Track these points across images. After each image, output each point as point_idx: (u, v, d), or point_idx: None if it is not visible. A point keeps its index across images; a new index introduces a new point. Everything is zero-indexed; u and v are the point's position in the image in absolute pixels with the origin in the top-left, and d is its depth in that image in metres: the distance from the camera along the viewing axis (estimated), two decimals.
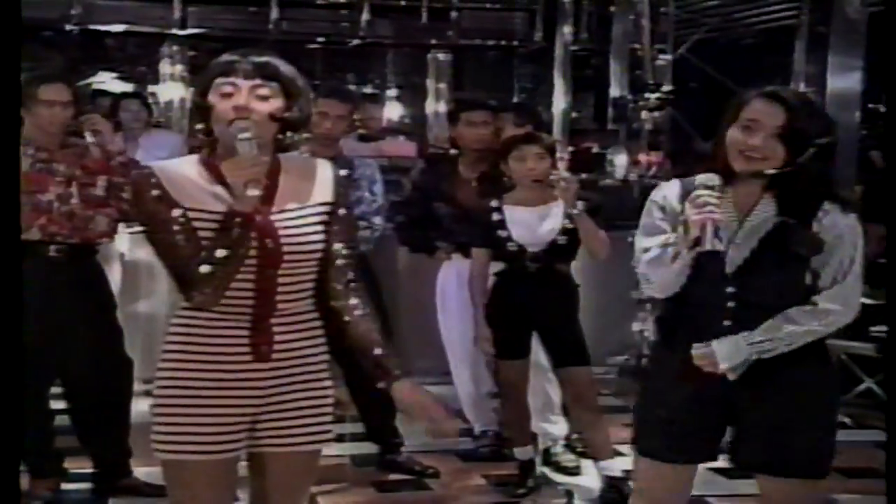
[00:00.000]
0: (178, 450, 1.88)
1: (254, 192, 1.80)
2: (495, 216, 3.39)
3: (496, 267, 3.49)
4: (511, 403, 3.54)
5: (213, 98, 1.86)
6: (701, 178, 2.04)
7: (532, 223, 3.37)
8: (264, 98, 1.85)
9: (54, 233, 3.18)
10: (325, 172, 1.96)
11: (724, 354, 2.05)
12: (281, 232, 1.87)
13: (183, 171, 1.89)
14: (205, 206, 1.85)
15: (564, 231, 3.34)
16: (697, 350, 2.07)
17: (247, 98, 1.84)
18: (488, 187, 3.66)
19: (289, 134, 1.92)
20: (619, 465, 3.57)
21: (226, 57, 1.89)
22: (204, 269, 1.80)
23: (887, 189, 2.75)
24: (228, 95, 1.84)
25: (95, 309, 3.36)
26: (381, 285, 3.71)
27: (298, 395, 1.92)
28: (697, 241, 1.99)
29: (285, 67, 1.90)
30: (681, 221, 2.05)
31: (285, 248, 1.87)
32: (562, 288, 3.39)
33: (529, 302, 3.37)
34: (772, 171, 2.02)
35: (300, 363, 1.92)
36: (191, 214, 1.84)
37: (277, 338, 1.89)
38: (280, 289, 1.88)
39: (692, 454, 2.19)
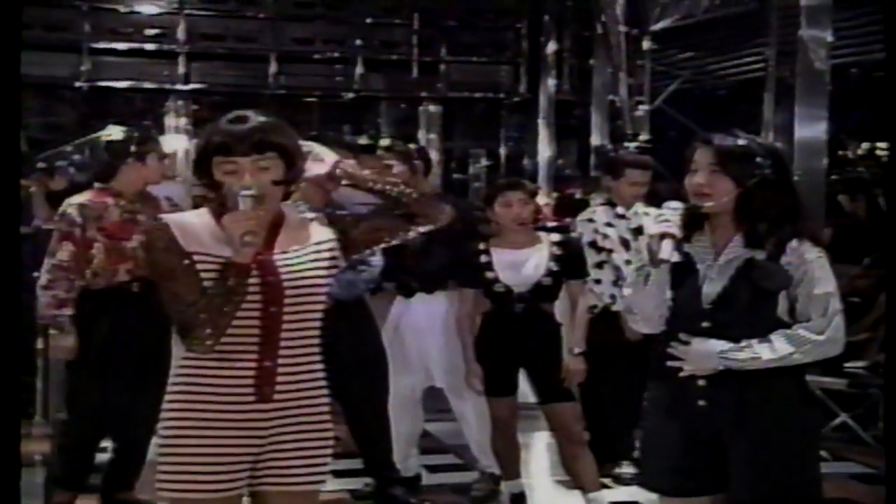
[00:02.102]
0: (183, 488, 1.85)
1: (251, 243, 1.82)
2: (483, 258, 3.44)
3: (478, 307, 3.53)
4: (501, 438, 3.54)
5: (217, 174, 1.88)
6: (668, 203, 2.15)
7: (518, 265, 3.41)
8: (265, 169, 1.87)
9: (138, 276, 3.37)
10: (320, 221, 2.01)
11: (694, 357, 2.10)
12: (282, 270, 1.89)
13: (193, 220, 1.93)
14: (210, 251, 1.87)
15: (549, 273, 3.39)
16: (675, 348, 2.12)
17: (250, 173, 1.86)
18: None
19: (292, 188, 1.96)
20: (607, 496, 3.57)
21: (222, 129, 1.88)
22: (201, 315, 1.81)
23: (887, 198, 2.80)
24: (232, 172, 1.86)
25: (166, 332, 3.51)
26: (378, 325, 3.73)
27: (300, 436, 1.91)
28: (656, 255, 2.07)
29: (278, 132, 1.90)
30: (646, 243, 2.13)
31: (287, 286, 1.88)
32: (545, 326, 3.43)
33: (516, 340, 3.40)
34: (716, 203, 2.10)
35: (302, 403, 1.91)
36: (196, 258, 1.86)
37: (280, 379, 1.88)
38: (285, 326, 1.88)
39: (693, 488, 2.16)
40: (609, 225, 3.94)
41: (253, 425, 1.87)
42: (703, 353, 2.09)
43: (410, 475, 3.85)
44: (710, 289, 2.12)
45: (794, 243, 2.09)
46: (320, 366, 1.96)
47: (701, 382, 2.10)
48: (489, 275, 3.40)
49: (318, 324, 1.94)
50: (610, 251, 3.89)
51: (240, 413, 1.86)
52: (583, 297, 3.52)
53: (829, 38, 5.59)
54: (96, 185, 3.48)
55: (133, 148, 3.46)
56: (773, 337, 2.07)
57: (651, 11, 6.63)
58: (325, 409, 1.96)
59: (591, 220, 4.00)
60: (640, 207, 4.00)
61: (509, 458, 3.56)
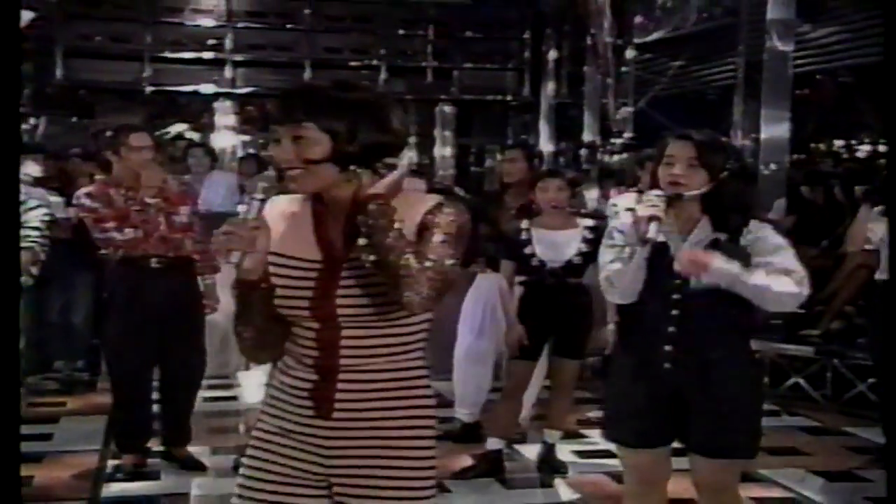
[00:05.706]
0: (247, 494, 1.58)
1: (249, 271, 1.44)
2: (524, 235, 3.49)
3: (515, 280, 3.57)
4: (509, 398, 3.58)
5: None
6: (651, 191, 2.17)
7: (554, 244, 3.46)
8: (299, 142, 1.44)
9: (153, 253, 3.45)
10: (418, 211, 1.49)
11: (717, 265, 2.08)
12: (344, 283, 1.47)
13: (287, 210, 1.54)
14: (293, 254, 1.51)
15: (579, 253, 3.46)
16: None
17: (286, 146, 1.45)
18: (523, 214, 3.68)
19: (352, 168, 1.46)
20: (558, 435, 3.68)
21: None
22: (238, 324, 1.51)
23: (889, 191, 2.91)
24: (277, 142, 1.48)
25: (186, 306, 3.57)
26: None
27: (376, 452, 1.53)
28: (644, 234, 2.07)
29: (326, 100, 1.46)
30: (632, 222, 2.13)
31: (344, 302, 1.48)
32: (574, 298, 3.48)
33: (546, 310, 3.47)
34: (695, 192, 2.13)
35: (372, 425, 1.52)
36: (274, 259, 1.49)
37: (341, 395, 1.50)
38: (344, 342, 1.49)
39: (655, 439, 2.25)
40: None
41: (314, 441, 1.53)
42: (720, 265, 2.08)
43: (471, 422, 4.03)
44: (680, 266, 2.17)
45: (752, 226, 2.15)
46: (403, 383, 1.53)
47: (667, 348, 2.16)
48: (527, 250, 3.48)
49: (405, 339, 1.52)
50: None
51: (301, 426, 1.54)
52: None
53: (792, 49, 5.77)
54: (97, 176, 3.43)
55: (107, 142, 3.47)
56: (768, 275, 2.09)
57: (650, 23, 6.81)
58: (411, 429, 1.54)
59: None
60: None
61: (507, 418, 3.63)
